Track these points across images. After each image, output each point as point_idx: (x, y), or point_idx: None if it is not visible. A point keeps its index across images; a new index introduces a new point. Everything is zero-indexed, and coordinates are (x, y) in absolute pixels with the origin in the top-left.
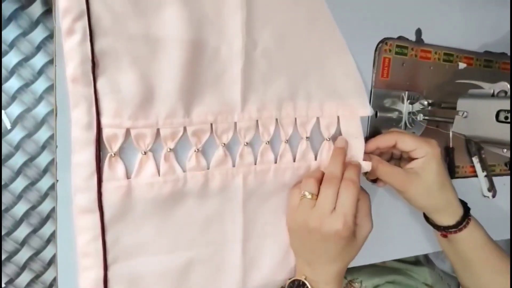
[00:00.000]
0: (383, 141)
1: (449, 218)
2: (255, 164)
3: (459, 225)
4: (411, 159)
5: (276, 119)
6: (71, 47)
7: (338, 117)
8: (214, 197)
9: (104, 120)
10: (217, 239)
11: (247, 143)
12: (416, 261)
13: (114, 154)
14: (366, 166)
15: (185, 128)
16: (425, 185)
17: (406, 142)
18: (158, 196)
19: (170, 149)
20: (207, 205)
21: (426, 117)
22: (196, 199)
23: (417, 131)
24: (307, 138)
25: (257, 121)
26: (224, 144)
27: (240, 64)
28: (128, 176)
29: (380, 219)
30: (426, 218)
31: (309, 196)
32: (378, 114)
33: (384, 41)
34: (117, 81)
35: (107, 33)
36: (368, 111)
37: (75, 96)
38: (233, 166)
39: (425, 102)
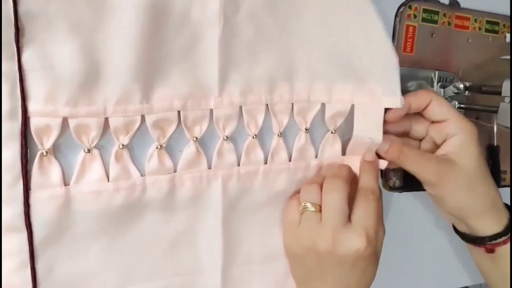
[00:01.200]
0: (416, 99)
1: (494, 222)
2: (238, 165)
3: (508, 231)
4: (435, 144)
5: (267, 105)
6: None
7: (352, 106)
8: (184, 210)
9: (32, 107)
10: (187, 266)
11: (227, 137)
12: None
13: (47, 152)
14: (382, 164)
15: (143, 117)
16: (466, 175)
17: (441, 106)
18: (107, 209)
19: (123, 145)
20: (174, 220)
21: (463, 105)
22: (159, 213)
23: None
24: (306, 130)
25: (240, 107)
26: (196, 138)
27: (217, 31)
28: (66, 182)
29: (392, 242)
30: (455, 229)
31: (312, 208)
32: None
33: (407, 3)
34: (50, 54)
35: None
36: (397, 100)
37: None
38: (209, 168)
39: (461, 86)
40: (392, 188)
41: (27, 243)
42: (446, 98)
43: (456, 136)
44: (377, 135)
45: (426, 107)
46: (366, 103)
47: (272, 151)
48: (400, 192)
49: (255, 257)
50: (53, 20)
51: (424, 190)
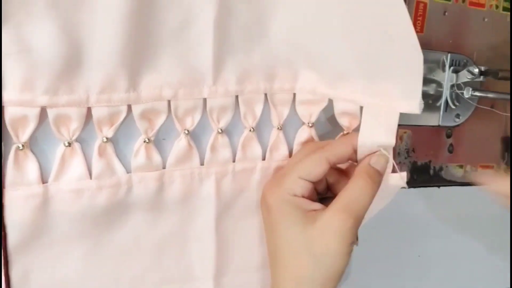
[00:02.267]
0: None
1: None
2: (234, 161)
3: None
4: None
5: (265, 95)
6: None
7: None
8: (173, 211)
9: (7, 95)
10: (177, 274)
11: (221, 130)
12: None
13: (23, 145)
14: (401, 179)
15: (129, 108)
16: None
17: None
18: (90, 209)
19: (107, 138)
20: (163, 223)
21: (477, 93)
22: (146, 214)
23: (463, 113)
24: (310, 124)
25: (236, 97)
26: (187, 131)
27: (212, 11)
28: (44, 180)
29: (399, 242)
30: None
31: None
32: None
33: None
34: (27, 36)
35: None
36: (416, 105)
37: None
38: (201, 164)
39: (476, 70)
40: None
41: (1, 247)
42: (459, 84)
43: None
44: (389, 142)
45: None
46: (378, 105)
47: (271, 146)
48: (407, 189)
49: (251, 264)
50: None
51: (432, 186)
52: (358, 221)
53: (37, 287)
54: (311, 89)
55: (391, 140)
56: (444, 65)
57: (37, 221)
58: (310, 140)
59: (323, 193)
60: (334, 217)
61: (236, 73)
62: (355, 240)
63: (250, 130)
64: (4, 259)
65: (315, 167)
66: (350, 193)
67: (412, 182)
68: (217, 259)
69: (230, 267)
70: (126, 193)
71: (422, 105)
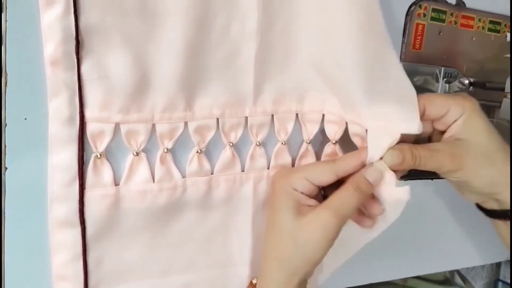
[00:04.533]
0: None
1: None
2: (268, 168)
3: None
4: (442, 132)
5: (297, 114)
6: (51, 22)
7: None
8: (218, 209)
9: (89, 113)
10: (220, 260)
11: (259, 142)
12: (445, 280)
13: (100, 154)
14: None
15: (186, 124)
16: (481, 149)
17: (436, 103)
18: (152, 207)
19: (167, 149)
20: (210, 218)
21: None
22: (196, 211)
23: None
24: (334, 142)
25: (272, 116)
26: (232, 143)
27: (254, 46)
28: (116, 183)
29: (399, 225)
30: (481, 207)
31: None
32: None
33: (417, 3)
34: (106, 65)
35: (95, 5)
36: (415, 126)
37: (54, 83)
38: (242, 170)
39: (466, 81)
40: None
41: (81, 237)
42: (450, 93)
43: (460, 117)
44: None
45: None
46: (381, 128)
47: (300, 155)
48: (405, 180)
49: None
50: (109, 33)
51: (428, 178)
52: (341, 221)
53: (109, 269)
54: (335, 112)
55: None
56: (437, 77)
57: (110, 216)
58: (334, 155)
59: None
60: (321, 213)
61: (272, 96)
62: (335, 237)
63: (282, 143)
64: (83, 247)
65: (322, 176)
66: (339, 196)
67: (410, 175)
68: (253, 249)
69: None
70: (181, 194)
71: (421, 126)
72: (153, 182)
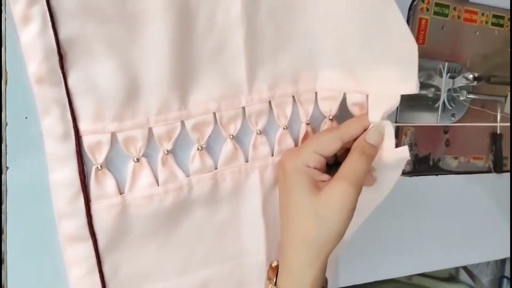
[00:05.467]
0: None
1: None
2: (273, 155)
3: None
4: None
5: (293, 97)
6: (30, 40)
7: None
8: (227, 202)
9: (83, 126)
10: (235, 252)
11: (260, 131)
12: (449, 277)
13: (101, 166)
14: (404, 152)
15: (183, 123)
16: None
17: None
18: (160, 210)
19: (167, 151)
20: (219, 213)
21: (471, 95)
22: (205, 208)
23: (458, 113)
24: (331, 118)
25: (269, 102)
26: (232, 136)
27: (242, 32)
28: (120, 191)
29: (403, 222)
30: None
31: None
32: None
33: None
34: (93, 75)
35: (72, 16)
36: (414, 86)
37: (43, 101)
38: (246, 161)
39: (470, 76)
40: (403, 173)
41: (93, 250)
42: (456, 88)
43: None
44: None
45: None
46: (381, 91)
47: (302, 138)
48: (410, 177)
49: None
50: (91, 42)
51: (431, 174)
52: (357, 188)
53: (126, 277)
54: (329, 87)
55: (391, 119)
56: (441, 72)
57: (119, 225)
58: None
59: (330, 162)
60: (337, 185)
61: (267, 82)
62: (355, 206)
63: (284, 128)
64: (97, 259)
65: (329, 144)
66: (348, 165)
67: (415, 171)
68: (266, 235)
69: (277, 241)
70: (188, 192)
71: (418, 86)
72: (158, 185)
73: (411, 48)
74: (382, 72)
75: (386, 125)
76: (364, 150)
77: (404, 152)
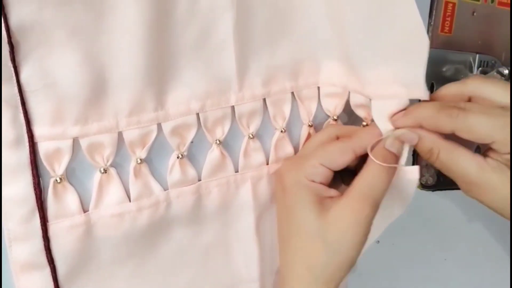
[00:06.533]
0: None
1: None
2: (268, 164)
3: None
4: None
5: (292, 93)
6: None
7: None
8: (213, 221)
9: (38, 131)
10: (224, 280)
11: (252, 135)
12: None
13: (60, 178)
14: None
15: (159, 126)
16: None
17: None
18: (133, 231)
19: (141, 159)
20: (204, 234)
21: None
22: (186, 228)
23: None
24: (335, 117)
25: (264, 100)
26: (219, 141)
27: (231, 16)
28: (84, 209)
29: (422, 245)
30: None
31: None
32: (434, 87)
33: None
34: (51, 69)
35: None
36: (421, 91)
37: None
38: (236, 171)
39: (505, 71)
40: (425, 186)
41: (51, 279)
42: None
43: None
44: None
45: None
46: (385, 94)
47: (303, 143)
48: (433, 191)
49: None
50: (49, 30)
51: (458, 188)
52: (374, 209)
53: None
54: (333, 81)
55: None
56: (471, 66)
57: (83, 249)
58: None
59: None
60: (350, 205)
61: (261, 76)
62: (370, 229)
63: (282, 131)
64: None
65: (340, 157)
66: (365, 179)
67: (438, 185)
68: (260, 260)
69: (274, 266)
70: (166, 209)
71: (428, 93)
72: (130, 201)
73: (421, 43)
74: (386, 70)
75: (404, 133)
76: (386, 160)
77: (413, 174)
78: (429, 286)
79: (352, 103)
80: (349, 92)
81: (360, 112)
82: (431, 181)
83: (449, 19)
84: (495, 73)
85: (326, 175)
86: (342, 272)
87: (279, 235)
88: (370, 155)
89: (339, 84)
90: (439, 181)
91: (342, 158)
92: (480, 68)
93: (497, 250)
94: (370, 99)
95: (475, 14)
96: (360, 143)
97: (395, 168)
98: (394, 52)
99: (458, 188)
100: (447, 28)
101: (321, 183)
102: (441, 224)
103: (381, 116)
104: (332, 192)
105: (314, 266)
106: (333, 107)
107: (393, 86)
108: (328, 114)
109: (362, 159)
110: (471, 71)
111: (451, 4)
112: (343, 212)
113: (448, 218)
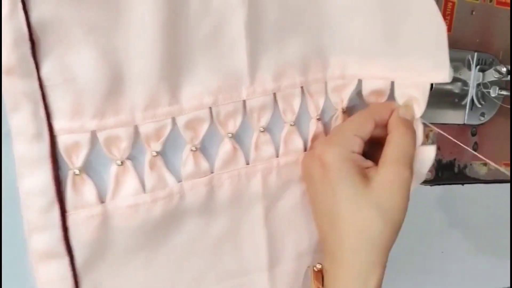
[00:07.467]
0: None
1: None
2: (278, 156)
3: None
4: None
5: (302, 88)
6: None
7: (392, 82)
8: (224, 212)
9: (58, 125)
10: (233, 270)
11: (263, 128)
12: None
13: (79, 170)
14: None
15: (174, 120)
16: None
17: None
18: (147, 221)
19: (156, 152)
20: (215, 224)
21: (503, 91)
22: (199, 219)
23: (488, 112)
24: (344, 109)
25: (274, 94)
26: (231, 134)
27: (242, 12)
28: (101, 200)
29: (421, 239)
30: None
31: None
32: (433, 85)
33: None
34: (71, 65)
35: None
36: (446, 74)
37: (12, 95)
38: (247, 163)
39: (503, 69)
40: (423, 181)
41: (70, 268)
42: (486, 83)
43: None
44: (421, 113)
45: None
46: (409, 79)
47: (312, 137)
48: (431, 186)
49: (301, 252)
50: (68, 27)
51: (458, 183)
52: (411, 171)
53: None
54: (340, 74)
55: (422, 110)
56: (470, 64)
57: (100, 238)
58: None
59: None
60: (391, 170)
61: (271, 71)
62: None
63: (291, 125)
64: (73, 279)
65: (366, 124)
66: (395, 145)
67: (437, 179)
68: (269, 251)
69: (282, 257)
70: (179, 201)
71: (452, 74)
72: (144, 192)
73: (439, 29)
74: (407, 58)
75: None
76: (406, 125)
77: (430, 152)
78: (427, 278)
79: (365, 90)
80: (359, 81)
81: (371, 99)
82: (429, 176)
83: (448, 17)
84: (493, 70)
85: (361, 145)
86: (394, 237)
87: (319, 216)
88: (398, 114)
89: (348, 75)
90: (437, 176)
91: (368, 125)
92: (478, 66)
93: (495, 243)
94: (392, 82)
95: (474, 13)
96: (379, 113)
97: (414, 130)
98: (413, 39)
99: (456, 183)
100: (447, 27)
101: (359, 153)
102: (438, 218)
103: (403, 97)
104: (368, 162)
105: (371, 235)
106: (341, 99)
107: (415, 71)
108: (336, 106)
109: (371, 146)
110: (470, 69)
111: (450, 3)
112: (387, 177)
113: (446, 212)
